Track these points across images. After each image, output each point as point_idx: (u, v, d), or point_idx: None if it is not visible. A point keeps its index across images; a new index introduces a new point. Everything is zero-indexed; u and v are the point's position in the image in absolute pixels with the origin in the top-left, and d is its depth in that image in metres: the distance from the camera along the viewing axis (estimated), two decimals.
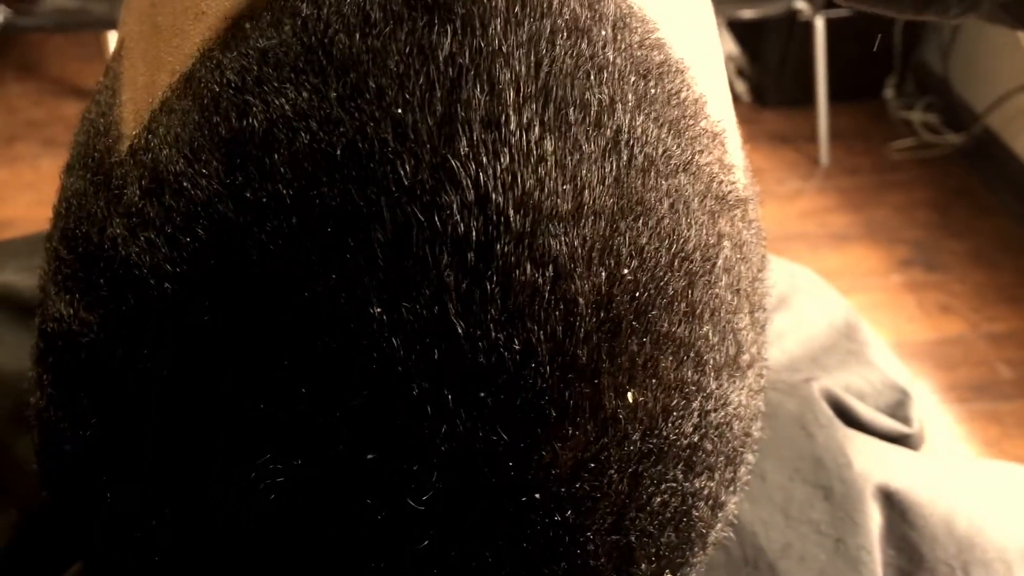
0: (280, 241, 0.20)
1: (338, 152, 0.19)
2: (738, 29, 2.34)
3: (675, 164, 0.21)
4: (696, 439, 0.22)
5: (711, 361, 0.22)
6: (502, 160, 0.20)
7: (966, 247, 1.95)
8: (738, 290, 0.23)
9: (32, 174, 1.96)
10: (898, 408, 0.50)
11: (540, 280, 0.20)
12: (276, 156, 0.20)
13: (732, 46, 2.36)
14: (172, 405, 0.21)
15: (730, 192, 0.23)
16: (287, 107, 0.20)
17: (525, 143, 0.20)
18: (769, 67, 2.25)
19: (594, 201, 0.20)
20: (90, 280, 0.23)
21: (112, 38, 2.03)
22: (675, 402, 0.22)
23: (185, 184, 0.21)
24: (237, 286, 0.20)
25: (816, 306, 0.53)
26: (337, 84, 0.20)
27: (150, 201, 0.21)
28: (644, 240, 0.21)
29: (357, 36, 0.20)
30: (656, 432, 0.21)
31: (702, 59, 0.25)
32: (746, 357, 0.24)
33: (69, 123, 2.07)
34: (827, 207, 2.02)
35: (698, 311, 0.22)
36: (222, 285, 0.20)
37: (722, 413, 0.23)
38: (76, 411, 0.23)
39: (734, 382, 0.23)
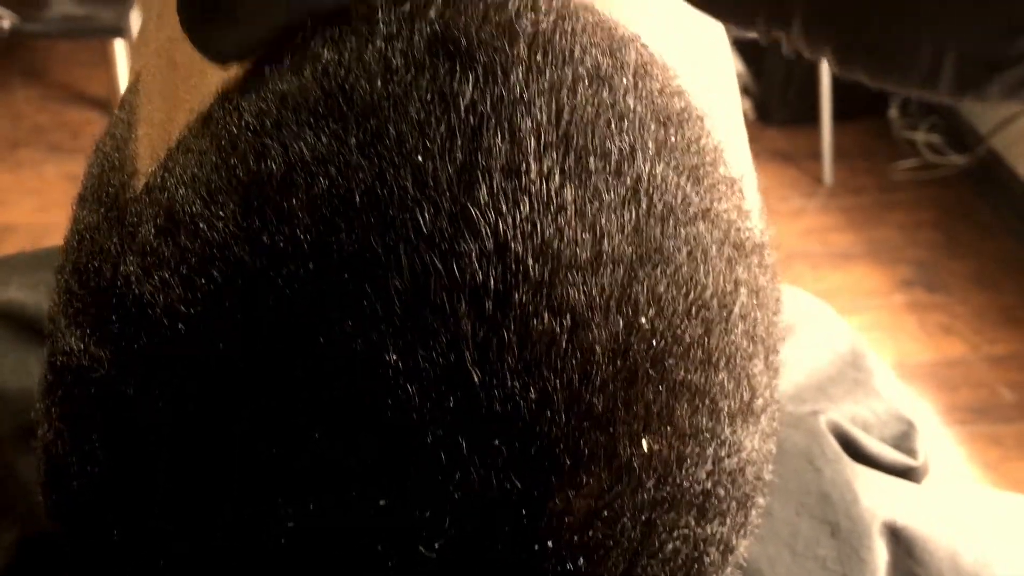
0: (296, 286, 0.20)
1: (357, 198, 0.19)
2: (743, 47, 2.35)
3: (694, 212, 0.21)
4: (709, 485, 0.22)
5: (726, 408, 0.22)
6: (522, 208, 0.19)
7: (968, 268, 1.95)
8: (753, 336, 0.23)
9: (36, 180, 1.96)
10: (903, 440, 0.50)
11: (558, 329, 0.20)
12: (294, 200, 0.20)
13: (737, 64, 2.37)
14: (183, 446, 0.21)
15: (747, 239, 0.23)
16: (306, 151, 0.20)
17: (545, 191, 0.20)
18: (773, 85, 2.25)
19: (613, 250, 0.20)
20: (102, 316, 0.22)
21: (119, 46, 2.03)
22: (689, 449, 0.21)
23: (201, 225, 0.20)
24: (251, 330, 0.20)
25: (822, 335, 0.53)
26: (357, 130, 0.20)
27: (165, 240, 0.21)
28: (662, 288, 0.21)
29: (378, 83, 0.20)
30: (670, 479, 0.21)
31: (720, 105, 0.25)
32: (759, 402, 0.24)
33: (74, 129, 2.08)
34: (830, 226, 2.02)
35: (714, 358, 0.22)
36: (236, 328, 0.20)
37: (735, 459, 0.23)
38: (85, 447, 0.23)
39: (747, 427, 0.23)
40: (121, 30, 2.01)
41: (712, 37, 0.27)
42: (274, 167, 0.20)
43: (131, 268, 0.22)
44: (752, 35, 0.20)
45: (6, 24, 1.89)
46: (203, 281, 0.20)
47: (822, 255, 1.96)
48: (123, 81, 2.08)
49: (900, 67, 0.18)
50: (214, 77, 0.23)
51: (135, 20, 2.23)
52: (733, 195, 0.23)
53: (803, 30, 0.18)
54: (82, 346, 0.23)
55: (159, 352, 0.21)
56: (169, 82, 0.24)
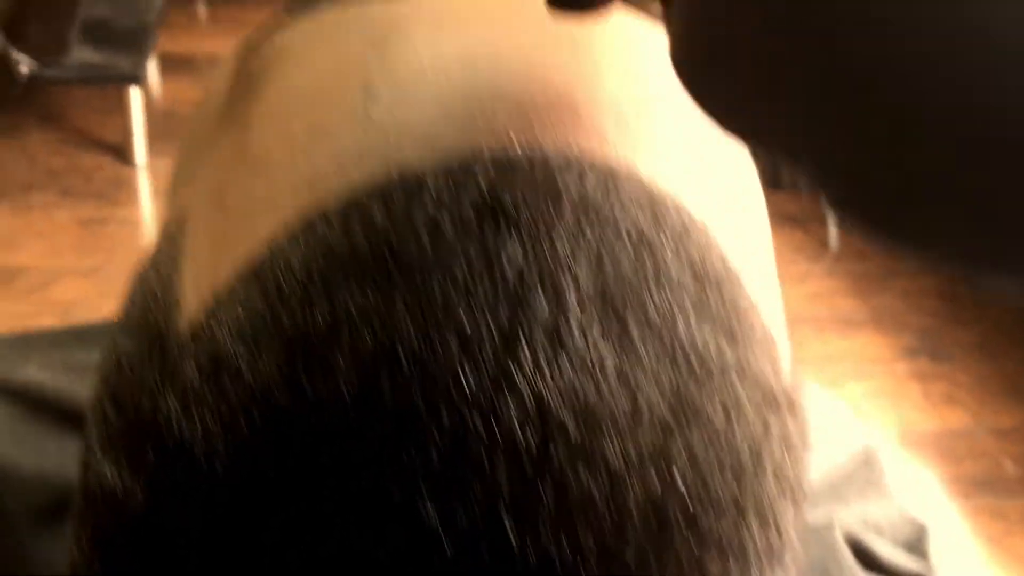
0: (336, 435, 0.20)
1: (401, 355, 0.20)
2: None
3: (732, 372, 0.22)
4: None
5: (754, 553, 0.22)
6: (564, 372, 0.20)
7: (972, 337, 1.95)
8: (782, 479, 0.23)
9: (46, 223, 1.97)
10: (915, 543, 0.50)
11: (594, 487, 0.20)
12: (338, 354, 0.20)
13: None
14: None
15: (780, 392, 0.23)
16: (352, 306, 0.20)
17: (587, 355, 0.20)
18: None
19: (651, 410, 0.20)
20: (138, 449, 0.23)
21: (134, 94, 2.06)
22: None
23: (244, 371, 0.21)
24: (290, 476, 0.20)
25: (835, 434, 0.53)
26: (404, 288, 0.20)
27: (207, 383, 0.21)
28: (698, 446, 0.21)
29: (427, 244, 0.20)
30: None
31: (756, 262, 0.25)
32: (786, 539, 0.24)
33: (87, 174, 2.10)
34: (835, 291, 2.03)
35: (744, 508, 0.22)
36: (275, 474, 0.20)
37: None
38: None
39: (774, 568, 0.23)
40: (137, 78, 2.04)
41: (748, 179, 0.28)
42: (320, 319, 0.20)
43: (172, 406, 0.22)
44: None
45: (25, 69, 1.92)
46: (244, 425, 0.21)
47: (827, 320, 1.96)
48: (137, 128, 2.11)
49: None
50: (266, 227, 0.23)
51: (152, 70, 2.26)
52: (768, 351, 0.23)
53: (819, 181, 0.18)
54: (117, 476, 0.23)
55: (196, 491, 0.21)
56: (218, 225, 0.25)
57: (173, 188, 0.29)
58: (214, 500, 0.21)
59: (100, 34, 2.03)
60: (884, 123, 0.16)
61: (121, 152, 2.15)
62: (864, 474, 0.52)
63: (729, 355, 0.22)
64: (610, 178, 0.22)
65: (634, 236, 0.21)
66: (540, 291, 0.20)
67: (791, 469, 0.24)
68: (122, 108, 2.11)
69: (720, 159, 0.27)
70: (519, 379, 0.20)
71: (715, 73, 0.19)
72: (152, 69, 2.21)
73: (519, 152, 0.22)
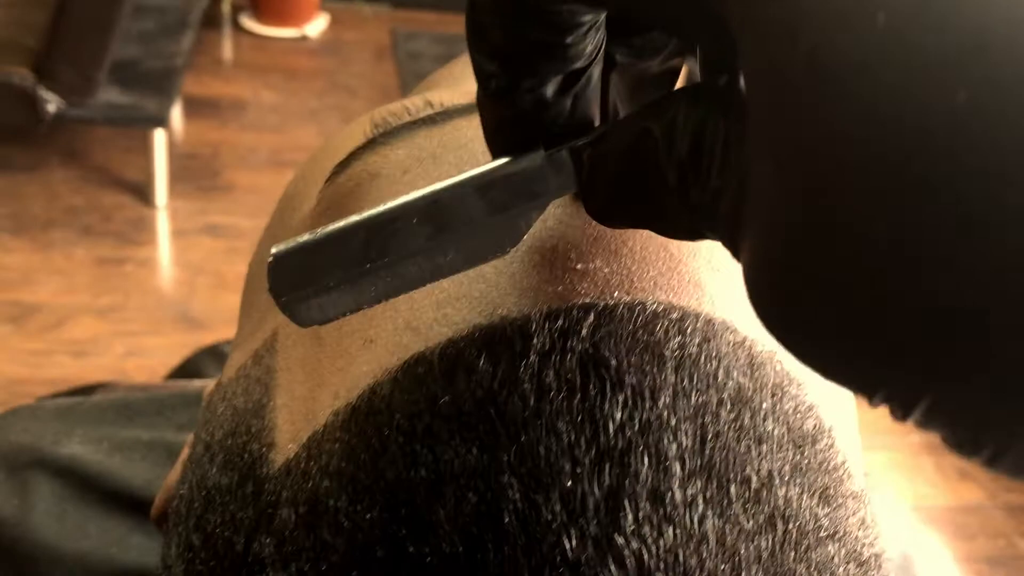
0: None
1: (505, 518, 0.20)
2: None
3: (824, 534, 0.22)
4: None
5: None
6: (665, 537, 0.20)
7: None
8: None
9: (64, 261, 1.97)
10: None
11: None
12: (441, 512, 0.20)
13: None
14: None
15: (870, 552, 0.23)
16: (456, 463, 0.20)
17: (688, 520, 0.20)
18: None
19: None
20: None
21: (158, 135, 2.07)
22: None
23: (345, 523, 0.21)
24: None
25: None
26: (509, 447, 0.20)
27: (306, 532, 0.21)
28: None
29: (531, 400, 0.20)
30: None
31: (842, 413, 0.25)
32: None
33: (107, 213, 2.10)
34: None
35: None
36: None
37: None
38: None
39: None
40: (163, 120, 2.05)
41: None
42: (424, 474, 0.20)
43: (267, 550, 0.22)
44: None
45: (52, 108, 1.93)
46: None
47: None
48: (159, 169, 2.12)
49: None
50: (362, 366, 0.23)
51: (175, 112, 2.28)
52: (859, 509, 0.23)
53: (923, 417, 0.17)
54: None
55: None
56: (313, 357, 0.25)
57: (265, 311, 0.29)
58: None
59: (128, 75, 2.05)
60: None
61: (142, 192, 2.16)
62: None
63: (823, 519, 0.22)
64: (709, 332, 0.22)
65: (734, 396, 0.21)
66: (644, 455, 0.20)
67: None
68: (145, 148, 2.12)
69: None
70: (623, 547, 0.19)
71: (796, 313, 0.16)
72: (175, 111, 2.23)
73: (620, 303, 0.22)
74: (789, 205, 0.15)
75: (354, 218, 0.21)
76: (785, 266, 0.16)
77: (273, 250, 0.21)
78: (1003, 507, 1.77)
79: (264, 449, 0.24)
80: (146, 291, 1.95)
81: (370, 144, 0.28)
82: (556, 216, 0.24)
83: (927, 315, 0.14)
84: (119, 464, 0.46)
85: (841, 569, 0.22)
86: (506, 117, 0.21)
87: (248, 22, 2.97)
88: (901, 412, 0.15)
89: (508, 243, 0.22)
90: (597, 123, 0.22)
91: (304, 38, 2.96)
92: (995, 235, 0.12)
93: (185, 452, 0.31)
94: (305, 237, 0.21)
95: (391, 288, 0.21)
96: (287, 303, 0.21)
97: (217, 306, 1.91)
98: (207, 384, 0.57)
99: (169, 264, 2.07)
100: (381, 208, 0.21)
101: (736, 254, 0.19)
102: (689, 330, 0.22)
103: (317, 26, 3.01)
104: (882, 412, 0.16)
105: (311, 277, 0.21)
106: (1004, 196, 0.12)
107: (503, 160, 0.21)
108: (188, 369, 0.89)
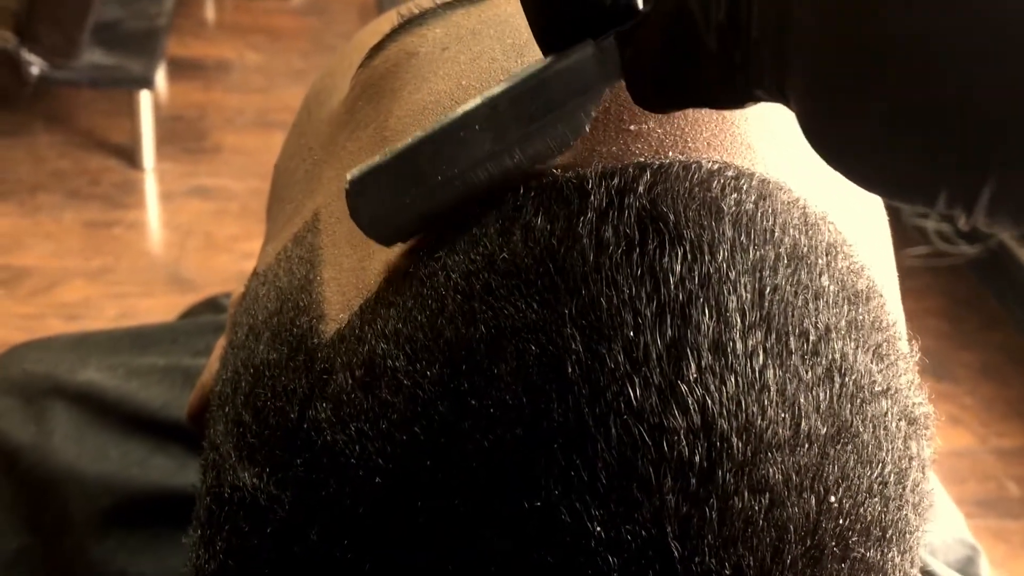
0: (503, 450, 0.20)
1: (569, 368, 0.20)
2: None
3: (878, 389, 0.22)
4: None
5: None
6: (728, 386, 0.20)
7: (976, 359, 1.95)
8: (919, 510, 0.23)
9: (53, 224, 1.96)
10: (968, 565, 0.50)
11: (756, 507, 0.20)
12: (504, 366, 0.20)
13: None
14: None
15: (919, 413, 0.23)
16: (517, 318, 0.20)
17: (750, 370, 0.20)
18: None
19: (809, 429, 0.20)
20: (284, 457, 0.23)
21: (144, 97, 2.05)
22: None
23: (405, 382, 0.21)
24: (452, 489, 0.20)
25: None
26: (570, 301, 0.20)
27: (363, 393, 0.21)
28: (850, 466, 0.21)
29: (591, 255, 0.20)
30: None
31: (890, 282, 0.25)
32: (914, 571, 0.24)
33: (93, 176, 2.09)
34: None
35: (888, 534, 0.22)
36: (436, 486, 0.20)
37: None
38: None
39: None
40: (148, 81, 2.03)
41: (877, 211, 0.28)
42: (484, 330, 0.20)
43: (323, 415, 0.22)
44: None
45: (35, 71, 1.91)
46: (404, 437, 0.20)
47: None
48: (145, 131, 2.10)
49: None
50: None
51: (159, 74, 2.25)
52: (909, 370, 0.23)
53: (988, 213, 0.18)
54: (258, 483, 0.23)
55: (349, 503, 0.21)
56: (358, 229, 0.25)
57: (302, 192, 0.29)
58: (367, 509, 0.21)
59: (111, 36, 2.03)
60: None
61: (129, 155, 2.14)
62: None
63: (876, 374, 0.22)
64: (764, 191, 0.22)
65: (790, 251, 0.22)
66: (705, 307, 0.20)
67: (926, 502, 0.24)
68: (130, 111, 2.10)
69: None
70: (686, 394, 0.20)
71: (855, 131, 0.19)
72: (159, 73, 2.20)
73: (675, 162, 0.22)
74: (828, 24, 0.17)
75: (418, 134, 0.22)
76: (837, 85, 0.18)
77: (348, 176, 0.22)
78: (993, 451, 1.80)
79: (314, 321, 0.24)
80: (136, 253, 1.94)
81: (404, 26, 0.28)
82: None
83: (977, 103, 0.16)
84: (136, 388, 0.46)
85: (894, 424, 0.22)
86: (553, 7, 0.21)
87: None
88: (966, 209, 0.16)
89: (571, 137, 0.22)
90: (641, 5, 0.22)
91: None
92: None
93: (219, 348, 0.31)
94: (376, 160, 0.22)
95: (463, 195, 0.22)
96: (367, 225, 0.22)
97: (208, 267, 1.91)
98: (219, 316, 0.57)
99: (158, 226, 2.05)
100: (443, 121, 0.22)
101: (786, 101, 0.19)
102: (745, 188, 0.22)
103: None
104: None
105: (387, 198, 0.22)
106: None
107: (552, 57, 0.22)
108: None
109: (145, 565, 0.39)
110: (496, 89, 0.22)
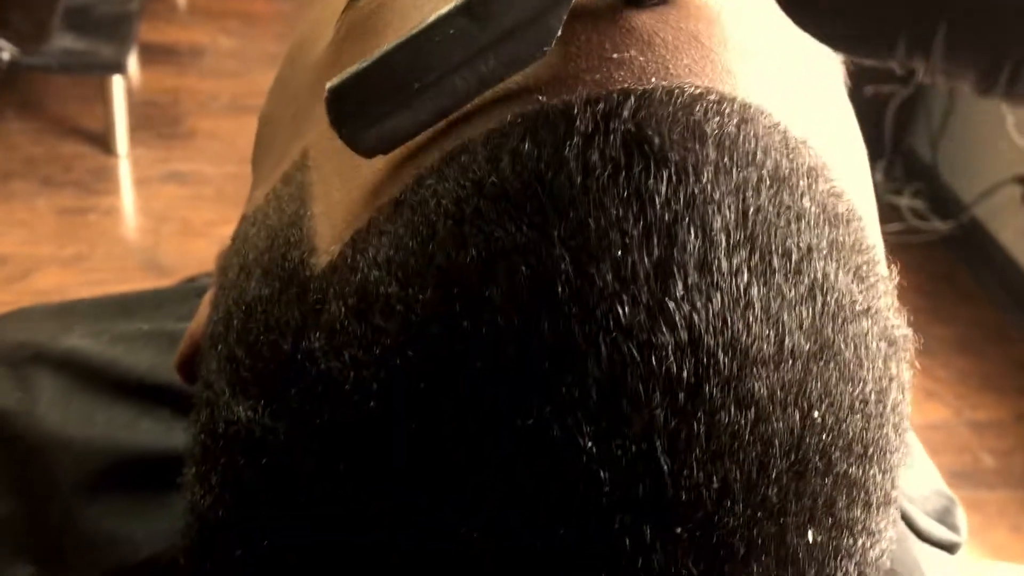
0: (495, 371, 0.20)
1: (559, 288, 0.20)
2: None
3: (859, 309, 0.22)
4: (855, 575, 0.23)
5: (875, 500, 0.23)
6: (714, 304, 0.20)
7: (951, 333, 1.97)
8: (898, 429, 0.24)
9: (26, 212, 1.94)
10: (945, 515, 0.51)
11: (742, 421, 0.20)
12: (495, 288, 0.20)
13: None
14: (363, 525, 0.21)
15: (899, 335, 0.24)
16: (507, 240, 0.21)
17: (735, 288, 0.20)
18: None
19: (793, 345, 0.21)
20: (278, 389, 0.23)
21: (116, 82, 2.03)
22: (845, 541, 0.22)
23: (398, 307, 0.21)
24: (446, 411, 0.20)
25: None
26: (559, 223, 0.20)
27: (357, 320, 0.22)
28: (833, 383, 0.21)
29: (578, 178, 0.21)
30: (826, 571, 0.22)
31: (869, 208, 0.26)
32: (895, 492, 0.24)
33: (66, 163, 2.07)
34: None
35: (869, 452, 0.22)
36: (430, 409, 0.21)
37: (877, 549, 0.24)
38: (252, 516, 0.23)
39: (887, 517, 0.24)
40: (120, 66, 2.01)
41: (855, 139, 0.29)
42: (475, 254, 0.21)
43: (316, 345, 0.22)
44: (886, 66, 0.22)
45: (6, 56, 1.89)
46: (398, 361, 0.21)
47: None
48: (119, 117, 2.08)
49: None
50: (404, 163, 0.23)
51: (133, 59, 2.23)
52: (888, 293, 0.24)
53: (945, 52, 0.19)
54: (252, 415, 0.23)
55: (344, 429, 0.21)
56: (349, 163, 0.25)
57: (289, 134, 0.29)
58: (362, 434, 0.21)
59: (82, 21, 2.01)
60: None
61: (102, 141, 2.13)
62: None
63: (857, 294, 0.22)
64: (746, 115, 0.23)
65: (772, 173, 0.22)
66: (690, 228, 0.21)
67: (905, 422, 0.24)
68: (103, 97, 2.08)
69: (830, 100, 0.28)
70: (674, 311, 0.20)
71: None
72: (132, 58, 2.18)
73: (658, 87, 0.22)
74: None
75: (395, 41, 0.22)
76: None
77: (328, 85, 0.22)
78: (968, 424, 1.82)
79: (305, 255, 0.24)
80: (111, 240, 1.92)
81: None
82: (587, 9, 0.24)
83: None
84: (122, 353, 0.46)
85: (874, 344, 0.23)
86: None
87: None
88: (924, 54, 0.17)
89: (543, 43, 0.22)
90: None
91: None
92: None
93: (206, 300, 0.31)
94: (354, 68, 0.22)
95: (443, 106, 0.22)
96: (349, 134, 0.22)
97: (184, 252, 1.90)
98: (203, 283, 0.57)
99: (133, 213, 2.04)
100: (418, 27, 0.22)
101: None
102: (727, 111, 0.22)
103: None
104: None
105: (367, 106, 0.22)
106: None
107: None
108: None
109: (134, 528, 0.39)
110: None
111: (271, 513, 0.23)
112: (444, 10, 0.22)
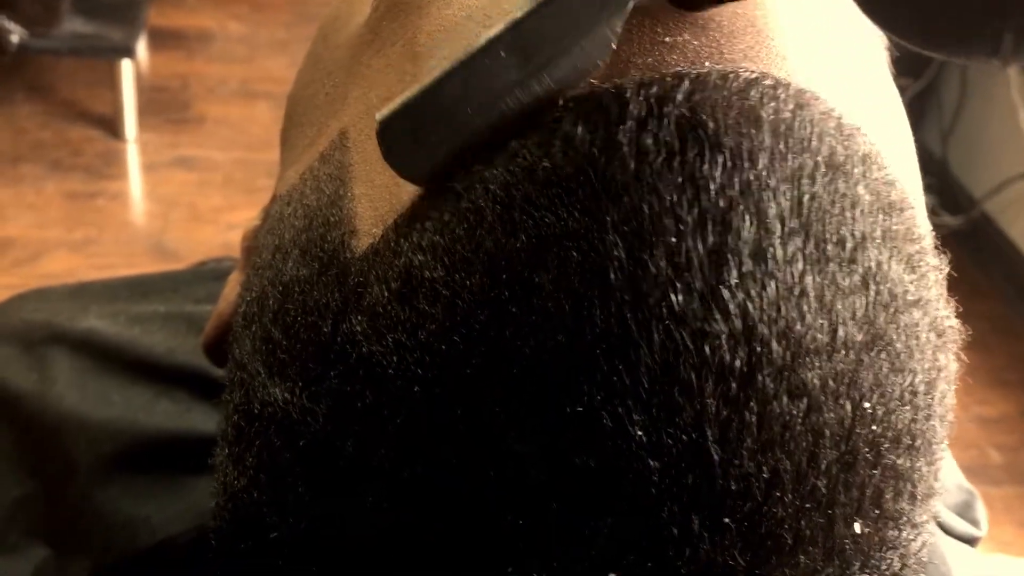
0: (545, 358, 0.20)
1: (611, 275, 0.20)
2: None
3: (911, 299, 0.22)
4: (898, 567, 0.23)
5: (920, 492, 0.23)
6: (768, 292, 0.20)
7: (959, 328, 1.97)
8: (944, 422, 0.23)
9: (35, 195, 1.94)
10: (966, 509, 0.51)
11: (794, 411, 0.20)
12: (545, 274, 0.20)
13: None
14: (402, 511, 0.21)
15: (948, 326, 0.23)
16: (558, 226, 0.20)
17: (789, 276, 0.20)
18: None
19: (846, 335, 0.20)
20: (317, 371, 0.22)
21: (125, 66, 2.03)
22: (890, 533, 0.22)
23: (443, 292, 0.21)
24: (494, 398, 0.20)
25: None
26: (611, 208, 0.20)
27: (400, 305, 0.21)
28: (883, 373, 0.21)
29: (631, 164, 0.20)
30: (872, 562, 0.22)
31: (919, 197, 0.26)
32: (938, 485, 0.24)
33: (75, 147, 2.07)
34: None
35: (916, 443, 0.22)
36: (476, 395, 0.20)
37: (919, 541, 0.23)
38: (288, 498, 0.23)
39: (929, 510, 0.24)
40: (130, 50, 2.01)
41: (903, 127, 0.28)
42: (524, 239, 0.20)
43: (358, 328, 0.22)
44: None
45: (15, 39, 1.89)
46: (444, 347, 0.20)
47: None
48: (128, 101, 2.08)
49: None
50: None
51: (142, 44, 2.23)
52: (939, 283, 0.23)
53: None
54: (290, 397, 0.23)
55: (386, 413, 0.21)
56: None
57: (325, 113, 0.29)
58: (405, 419, 0.21)
59: (91, 5, 2.00)
60: None
61: (111, 126, 2.12)
62: None
63: (909, 284, 0.22)
64: (802, 100, 0.22)
65: (828, 160, 0.22)
66: (745, 214, 0.20)
67: (949, 413, 0.24)
68: (111, 82, 2.08)
69: (880, 87, 0.27)
70: (728, 300, 0.20)
71: None
72: (141, 43, 2.18)
73: (712, 71, 0.22)
74: None
75: (445, 65, 0.21)
76: None
77: (377, 116, 0.22)
78: (976, 419, 1.81)
79: (345, 236, 0.24)
80: (120, 225, 1.92)
81: None
82: None
83: None
84: (139, 334, 0.45)
85: (924, 335, 0.22)
86: None
87: None
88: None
89: (598, 56, 0.22)
90: None
91: None
92: None
93: (232, 281, 0.31)
94: (403, 97, 0.22)
95: (497, 126, 0.22)
96: (400, 165, 0.22)
97: (192, 237, 1.89)
98: (219, 265, 0.57)
99: (142, 197, 2.04)
100: (467, 51, 0.21)
101: None
102: (782, 97, 0.22)
103: None
104: None
105: (417, 135, 0.22)
106: None
107: None
108: None
109: (150, 509, 0.39)
110: (518, 12, 0.21)
111: (307, 495, 0.22)
112: (493, 32, 0.21)
